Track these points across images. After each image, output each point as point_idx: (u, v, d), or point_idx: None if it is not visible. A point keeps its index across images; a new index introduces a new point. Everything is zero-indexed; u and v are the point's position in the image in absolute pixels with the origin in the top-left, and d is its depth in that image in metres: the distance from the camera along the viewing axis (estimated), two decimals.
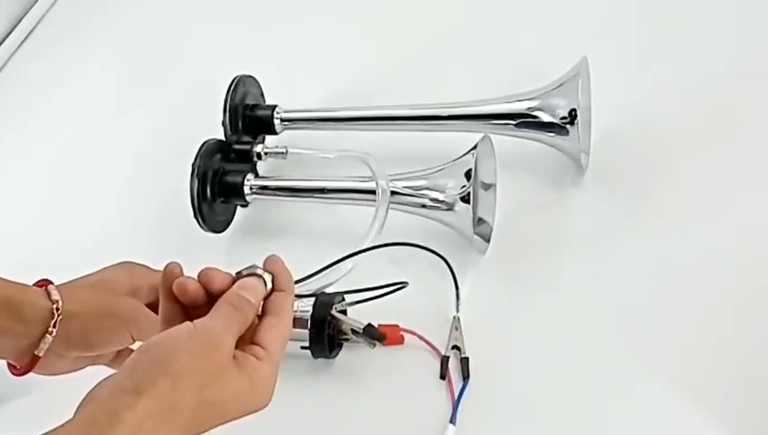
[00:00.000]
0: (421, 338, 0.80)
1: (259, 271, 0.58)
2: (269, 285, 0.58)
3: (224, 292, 0.56)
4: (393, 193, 0.85)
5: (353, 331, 0.78)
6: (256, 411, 0.55)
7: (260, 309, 0.57)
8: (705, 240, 0.82)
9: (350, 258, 0.82)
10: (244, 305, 0.55)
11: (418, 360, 0.79)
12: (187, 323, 0.54)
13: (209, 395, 0.51)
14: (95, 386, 0.51)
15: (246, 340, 0.55)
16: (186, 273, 0.62)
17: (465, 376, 0.76)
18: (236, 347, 0.54)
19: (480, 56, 1.06)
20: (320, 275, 0.81)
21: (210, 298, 0.57)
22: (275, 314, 0.57)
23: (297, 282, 0.68)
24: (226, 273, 0.58)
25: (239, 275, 0.58)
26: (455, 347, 0.79)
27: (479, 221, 0.86)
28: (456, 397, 0.75)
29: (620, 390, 0.74)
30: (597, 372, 0.75)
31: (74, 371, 0.72)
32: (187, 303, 0.57)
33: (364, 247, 0.81)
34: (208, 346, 0.52)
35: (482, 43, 1.08)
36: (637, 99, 0.95)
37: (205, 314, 0.55)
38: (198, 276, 0.57)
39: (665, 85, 0.96)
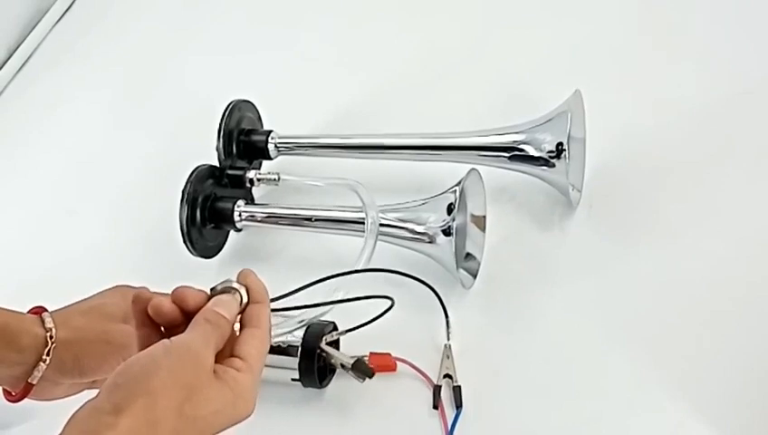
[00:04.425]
0: (413, 367, 0.80)
1: (234, 285, 0.59)
2: (245, 298, 0.59)
3: (199, 309, 0.57)
4: (381, 225, 0.86)
5: (342, 365, 0.78)
6: (240, 422, 0.55)
7: (237, 324, 0.58)
8: (696, 275, 0.82)
9: (340, 285, 0.81)
10: (219, 321, 0.56)
11: (410, 389, 0.79)
12: (164, 340, 0.54)
13: (190, 410, 0.51)
14: (76, 410, 0.51)
15: (225, 354, 0.56)
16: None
17: (458, 405, 0.77)
18: (216, 362, 0.55)
19: (478, 86, 1.07)
20: (303, 291, 0.80)
21: (186, 317, 0.57)
22: (253, 326, 0.58)
23: (279, 298, 0.67)
24: (200, 290, 0.58)
25: (214, 292, 0.58)
26: (447, 376, 0.79)
27: (467, 256, 0.87)
28: (449, 427, 0.76)
29: (614, 414, 0.75)
30: (589, 398, 0.76)
31: (71, 395, 0.71)
32: (164, 323, 0.57)
33: (350, 270, 0.80)
34: (186, 360, 0.53)
35: (480, 73, 1.09)
36: (633, 131, 0.96)
37: None
38: (172, 295, 0.57)
39: (661, 118, 0.97)
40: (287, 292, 0.68)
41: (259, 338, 0.57)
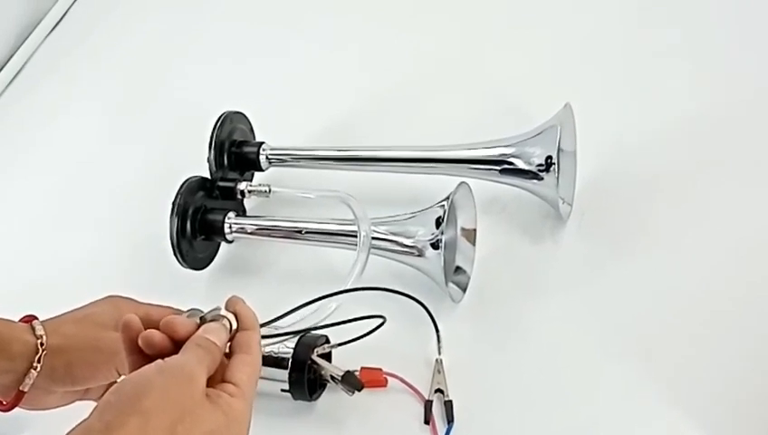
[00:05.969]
0: (404, 382, 0.80)
1: (223, 312, 0.59)
2: (234, 325, 0.59)
3: (189, 337, 0.57)
4: (372, 238, 0.86)
5: (333, 377, 0.78)
6: None
7: (227, 350, 0.59)
8: (688, 284, 0.83)
9: (333, 299, 0.81)
10: (210, 347, 0.56)
11: (402, 404, 0.79)
12: (158, 360, 0.54)
13: (182, 431, 0.51)
14: (68, 431, 0.50)
15: (217, 379, 0.56)
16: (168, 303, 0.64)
17: (450, 420, 0.77)
18: (208, 386, 0.54)
19: (470, 99, 1.07)
20: (293, 314, 0.80)
21: (176, 347, 0.57)
22: (243, 352, 0.58)
23: (271, 322, 0.68)
24: (190, 318, 0.59)
25: (203, 320, 0.59)
26: (438, 390, 0.79)
27: (457, 269, 0.87)
28: None
29: (608, 425, 0.75)
30: (582, 410, 0.76)
31: (63, 405, 0.71)
32: (154, 354, 0.57)
33: (341, 290, 0.80)
34: (180, 380, 0.52)
35: (473, 86, 1.09)
36: (625, 143, 0.96)
37: None
38: (162, 325, 0.57)
39: (652, 130, 0.97)
40: (276, 316, 0.68)
41: (250, 364, 0.57)
